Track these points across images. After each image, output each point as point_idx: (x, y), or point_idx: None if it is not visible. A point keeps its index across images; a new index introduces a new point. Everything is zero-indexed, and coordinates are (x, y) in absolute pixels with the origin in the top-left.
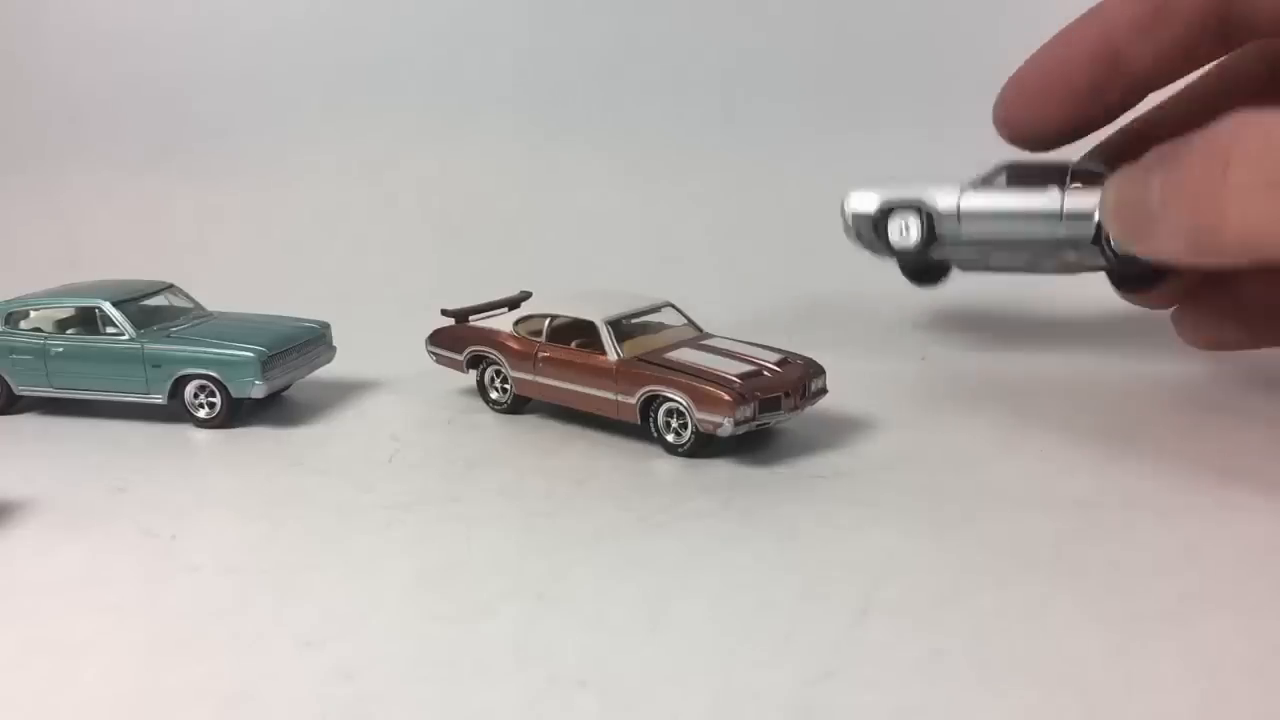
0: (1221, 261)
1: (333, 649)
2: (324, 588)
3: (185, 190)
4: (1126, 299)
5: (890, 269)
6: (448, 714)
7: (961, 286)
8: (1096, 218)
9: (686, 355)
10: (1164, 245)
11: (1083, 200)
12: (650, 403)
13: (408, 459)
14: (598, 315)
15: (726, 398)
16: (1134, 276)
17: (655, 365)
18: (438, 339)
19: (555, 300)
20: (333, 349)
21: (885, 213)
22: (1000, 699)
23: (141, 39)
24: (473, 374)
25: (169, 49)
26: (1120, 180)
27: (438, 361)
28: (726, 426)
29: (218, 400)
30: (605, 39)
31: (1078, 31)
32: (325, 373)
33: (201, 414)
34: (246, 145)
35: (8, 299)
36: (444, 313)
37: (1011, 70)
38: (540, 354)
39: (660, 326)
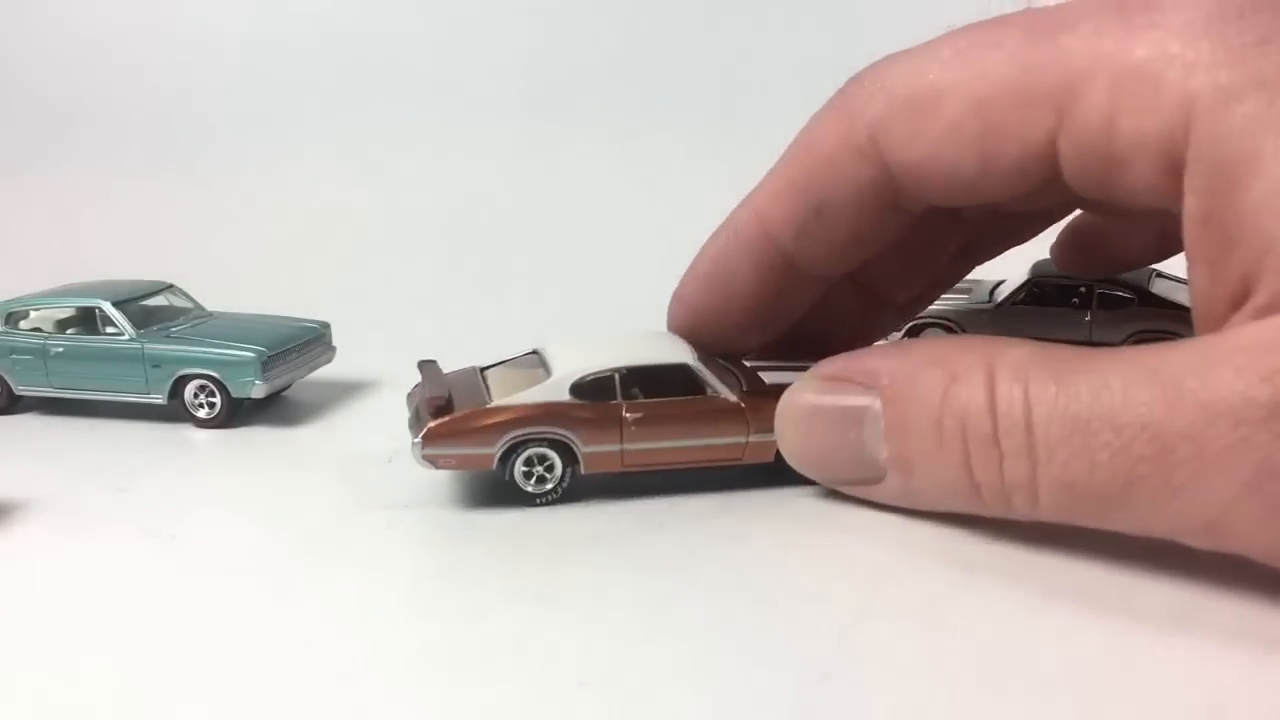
0: None
1: (333, 649)
2: (324, 588)
3: (185, 190)
4: None
5: None
6: (448, 714)
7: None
8: None
9: (776, 377)
10: (905, 498)
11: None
12: None
13: (408, 459)
14: (679, 358)
15: None
16: None
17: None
18: (442, 436)
19: (561, 355)
20: (333, 349)
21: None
22: (1000, 699)
23: (141, 39)
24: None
25: (169, 49)
26: (800, 423)
27: (439, 466)
28: None
29: (218, 400)
30: (605, 39)
31: (737, 235)
32: (325, 373)
33: (201, 414)
34: (246, 145)
35: (8, 299)
36: (433, 402)
37: None
38: (629, 416)
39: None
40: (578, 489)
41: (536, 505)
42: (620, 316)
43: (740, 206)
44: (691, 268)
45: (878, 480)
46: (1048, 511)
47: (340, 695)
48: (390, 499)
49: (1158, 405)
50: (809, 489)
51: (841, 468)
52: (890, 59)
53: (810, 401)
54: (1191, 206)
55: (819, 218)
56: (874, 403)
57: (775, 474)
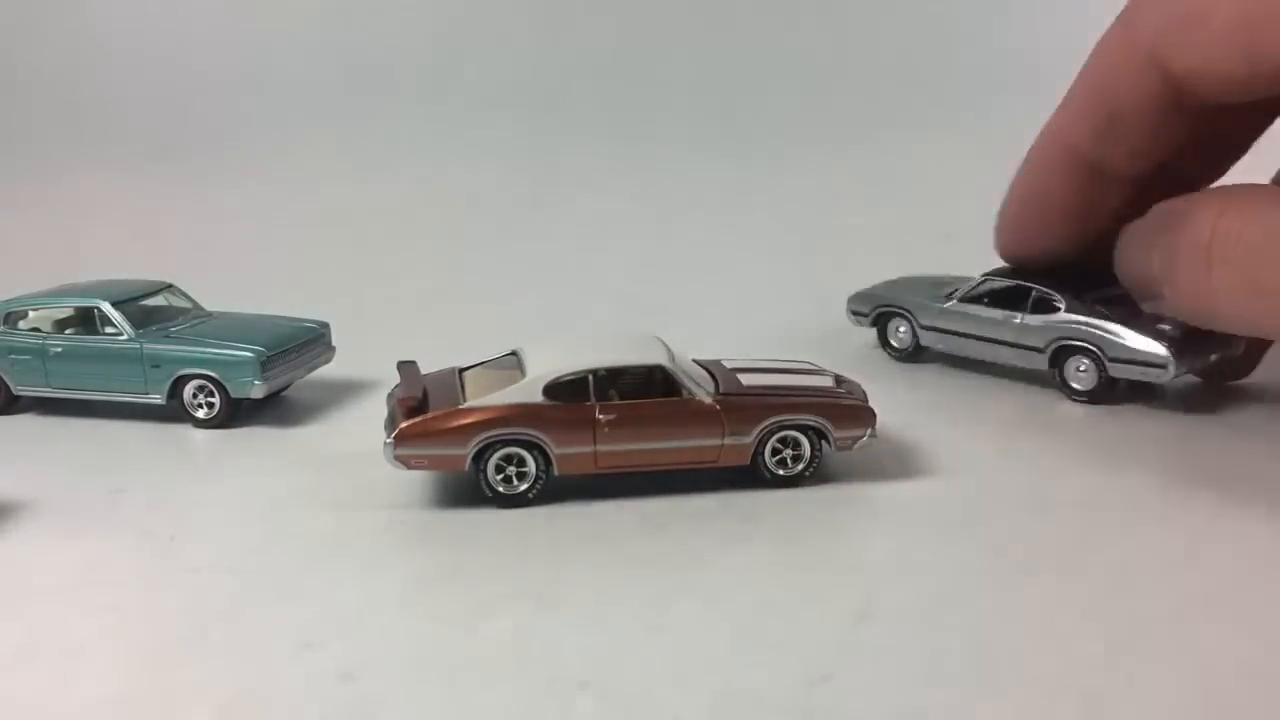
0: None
1: (333, 649)
2: (324, 588)
3: (185, 190)
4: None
5: (893, 268)
6: (448, 714)
7: None
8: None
9: (751, 379)
10: (1169, 311)
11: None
12: (765, 438)
13: None
14: (655, 359)
15: (869, 409)
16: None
17: (757, 396)
18: (414, 437)
19: (537, 356)
20: (332, 349)
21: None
22: (1000, 700)
23: (141, 39)
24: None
25: (169, 49)
26: (1124, 245)
27: (411, 466)
28: (866, 439)
29: (217, 400)
30: (606, 39)
31: (1044, 156)
32: (325, 373)
33: (201, 414)
34: (246, 145)
35: (6, 299)
36: (402, 402)
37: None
38: (602, 417)
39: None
40: (578, 489)
41: (511, 508)
42: (620, 316)
43: (1046, 126)
44: (1009, 191)
45: (1159, 296)
46: (1247, 315)
47: (340, 695)
48: (390, 499)
49: None
50: (809, 489)
51: (1141, 282)
52: None
53: (1137, 225)
54: None
55: (1112, 124)
56: (1162, 229)
57: (753, 478)
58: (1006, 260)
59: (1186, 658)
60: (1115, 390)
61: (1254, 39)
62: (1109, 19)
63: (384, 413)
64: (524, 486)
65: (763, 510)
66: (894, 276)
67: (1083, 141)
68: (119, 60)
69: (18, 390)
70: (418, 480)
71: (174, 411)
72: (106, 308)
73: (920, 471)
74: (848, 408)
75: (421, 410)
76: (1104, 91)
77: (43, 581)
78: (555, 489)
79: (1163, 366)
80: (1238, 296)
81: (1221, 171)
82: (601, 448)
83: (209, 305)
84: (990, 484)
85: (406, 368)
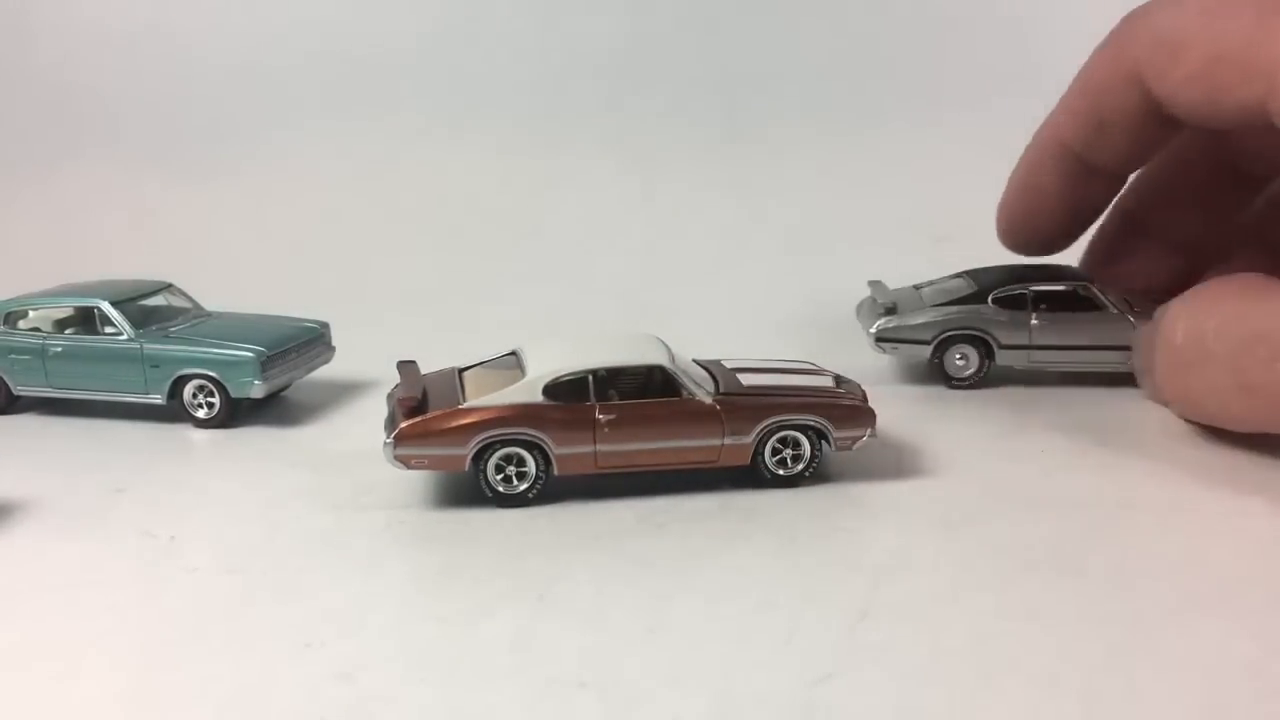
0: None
1: (333, 649)
2: (324, 588)
3: (185, 190)
4: None
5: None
6: (448, 714)
7: None
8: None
9: (751, 379)
10: (1159, 403)
11: None
12: (765, 437)
13: None
14: (655, 360)
15: (869, 409)
16: None
17: (757, 396)
18: (414, 437)
19: (537, 356)
20: (332, 349)
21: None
22: (1000, 699)
23: (141, 38)
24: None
25: (169, 48)
26: (1135, 338)
27: (411, 466)
28: (866, 439)
29: (217, 400)
30: (606, 38)
31: (1040, 153)
32: (325, 373)
33: (200, 414)
34: (246, 145)
35: (6, 299)
36: (401, 402)
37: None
38: (602, 417)
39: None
40: (578, 489)
41: (511, 508)
42: (620, 316)
43: (1042, 126)
44: (1009, 182)
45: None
46: (1236, 413)
47: (340, 695)
48: (390, 499)
49: None
50: (809, 489)
51: (1142, 379)
52: (1155, 3)
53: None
54: None
55: (1101, 130)
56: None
57: (753, 478)
58: (1007, 246)
59: (1186, 657)
60: None
61: (1216, 83)
62: (1110, 19)
63: (384, 413)
64: (524, 486)
65: (763, 510)
66: (892, 276)
67: (1075, 143)
68: (118, 59)
69: (18, 390)
70: (418, 480)
71: (174, 411)
72: (106, 308)
73: (920, 471)
74: (848, 408)
75: (421, 410)
76: (1094, 101)
77: (43, 580)
78: (555, 489)
79: None
80: (1226, 397)
81: (1193, 224)
82: (601, 448)
83: (209, 305)
84: (990, 484)
85: (406, 368)
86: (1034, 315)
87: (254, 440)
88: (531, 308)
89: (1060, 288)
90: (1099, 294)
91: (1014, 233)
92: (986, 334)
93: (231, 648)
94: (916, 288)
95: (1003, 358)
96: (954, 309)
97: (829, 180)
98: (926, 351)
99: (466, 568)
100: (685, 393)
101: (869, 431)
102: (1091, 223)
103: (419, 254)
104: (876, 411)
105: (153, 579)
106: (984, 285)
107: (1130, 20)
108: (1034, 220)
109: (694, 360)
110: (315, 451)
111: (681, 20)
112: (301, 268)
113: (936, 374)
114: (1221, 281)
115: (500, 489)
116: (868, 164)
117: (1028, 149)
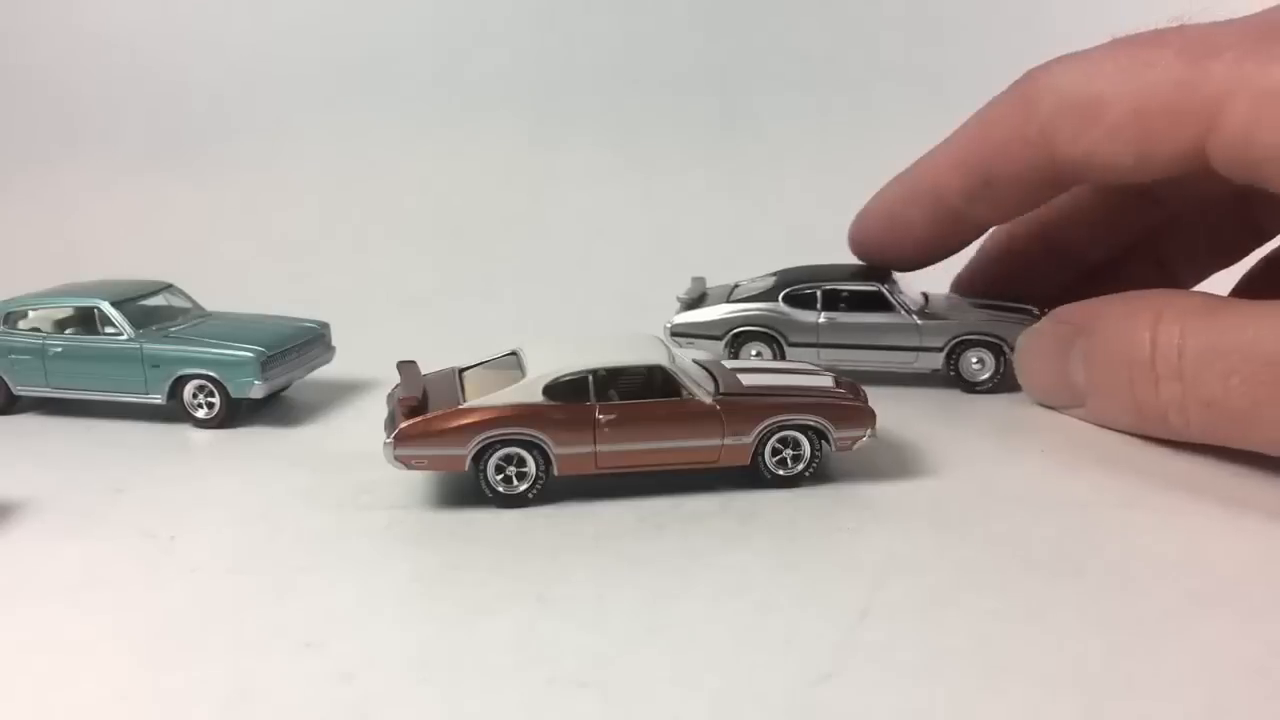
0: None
1: (333, 649)
2: (324, 588)
3: (185, 190)
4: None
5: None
6: (448, 714)
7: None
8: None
9: (751, 379)
10: (1096, 417)
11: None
12: (765, 438)
13: None
14: (655, 359)
15: (869, 409)
16: None
17: (757, 396)
18: (414, 437)
19: (537, 356)
20: (332, 349)
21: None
22: (1000, 699)
23: (141, 39)
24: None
25: (169, 48)
26: (1028, 354)
27: (411, 466)
28: (866, 439)
29: (217, 400)
30: (605, 38)
31: (912, 193)
32: (325, 373)
33: (200, 414)
34: (246, 145)
35: (6, 299)
36: (403, 402)
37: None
38: (602, 417)
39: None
40: (578, 489)
41: (511, 508)
42: (621, 316)
43: (919, 165)
44: (872, 206)
45: (1081, 404)
46: (1196, 427)
47: (340, 695)
48: (390, 499)
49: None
50: (809, 489)
51: (1057, 392)
52: (1061, 62)
53: (1038, 333)
54: None
55: (988, 187)
56: (1080, 338)
57: (753, 478)
58: (858, 258)
59: (1186, 657)
60: None
61: (1145, 133)
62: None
63: (384, 413)
64: (524, 486)
65: (763, 510)
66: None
67: (953, 195)
68: (120, 59)
69: (18, 390)
70: (418, 480)
71: (174, 411)
72: (106, 308)
73: (920, 471)
74: (847, 408)
75: (421, 410)
76: (986, 160)
77: (44, 580)
78: (555, 489)
79: None
80: (1194, 410)
81: (1104, 244)
82: (601, 448)
83: (209, 305)
84: (990, 484)
85: (406, 368)
86: (821, 314)
87: (254, 440)
88: (531, 308)
89: (853, 288)
90: (889, 296)
91: (870, 251)
92: (775, 331)
93: (231, 648)
94: (736, 285)
95: (793, 355)
96: (746, 306)
97: (829, 180)
98: (719, 346)
99: (466, 568)
100: (685, 393)
101: (869, 431)
102: (954, 254)
103: (419, 254)
104: (876, 411)
105: (153, 579)
106: (782, 283)
107: (1035, 80)
108: (895, 249)
109: (694, 360)
110: (315, 451)
111: (684, 21)
112: (301, 268)
113: (936, 374)
114: (1173, 297)
115: (500, 489)
116: (868, 164)
117: (900, 180)
